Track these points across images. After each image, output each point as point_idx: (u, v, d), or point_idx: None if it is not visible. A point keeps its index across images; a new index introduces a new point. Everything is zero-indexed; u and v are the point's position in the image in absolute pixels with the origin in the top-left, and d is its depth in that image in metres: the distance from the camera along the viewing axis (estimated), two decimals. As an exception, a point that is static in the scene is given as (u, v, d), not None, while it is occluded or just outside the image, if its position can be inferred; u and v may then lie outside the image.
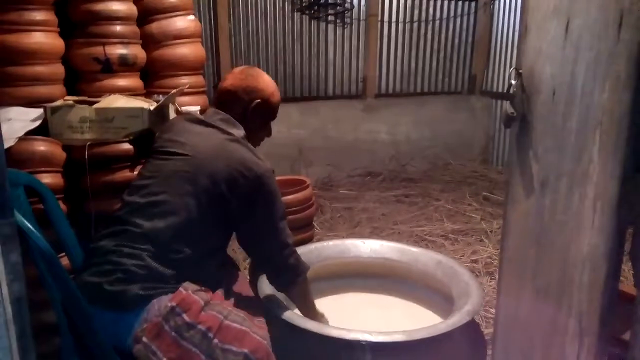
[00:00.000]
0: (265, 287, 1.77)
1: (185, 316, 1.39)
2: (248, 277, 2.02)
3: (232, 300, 1.66)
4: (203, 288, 1.49)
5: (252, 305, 1.70)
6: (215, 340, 1.37)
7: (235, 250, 3.27)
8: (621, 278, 1.22)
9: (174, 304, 1.40)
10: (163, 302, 1.41)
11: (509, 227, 1.36)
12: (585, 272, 1.17)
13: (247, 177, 1.52)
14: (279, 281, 1.69)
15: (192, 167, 1.53)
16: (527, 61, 1.25)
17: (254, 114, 1.69)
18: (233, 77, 1.71)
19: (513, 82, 1.27)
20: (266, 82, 1.72)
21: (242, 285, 1.83)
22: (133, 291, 1.41)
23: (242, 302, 1.67)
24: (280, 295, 1.76)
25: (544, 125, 1.22)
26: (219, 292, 1.60)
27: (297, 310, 1.77)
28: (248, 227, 1.59)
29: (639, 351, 1.08)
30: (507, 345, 1.41)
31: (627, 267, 2.11)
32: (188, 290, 1.44)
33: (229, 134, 1.61)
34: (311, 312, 1.77)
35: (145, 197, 1.53)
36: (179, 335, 1.37)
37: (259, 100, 1.68)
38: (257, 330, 1.44)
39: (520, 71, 1.26)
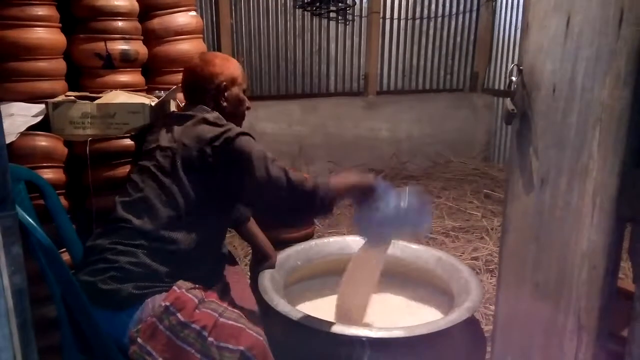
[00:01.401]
0: (266, 282, 1.77)
1: (179, 315, 1.38)
2: (248, 274, 2.03)
3: (228, 297, 1.66)
4: (197, 286, 1.48)
5: (248, 303, 1.70)
6: (211, 339, 1.36)
7: (235, 246, 3.28)
8: (620, 275, 1.22)
9: (167, 303, 1.40)
10: (157, 302, 1.41)
11: (508, 223, 1.37)
12: (584, 268, 1.17)
13: (216, 146, 1.53)
14: (314, 214, 1.73)
15: (170, 157, 1.56)
16: (528, 58, 1.25)
17: (226, 96, 1.71)
18: (189, 72, 1.74)
19: (514, 78, 1.27)
20: (221, 61, 1.74)
21: (238, 283, 1.83)
22: (127, 290, 1.42)
23: (238, 300, 1.67)
24: (280, 291, 1.76)
25: (544, 121, 1.22)
26: (214, 289, 1.59)
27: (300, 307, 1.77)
28: (248, 188, 1.54)
29: (637, 348, 1.08)
30: (506, 342, 1.42)
31: (627, 265, 2.12)
32: (182, 288, 1.44)
33: (199, 117, 1.63)
34: (348, 193, 1.80)
35: (133, 194, 1.57)
36: (173, 335, 1.37)
37: (224, 82, 1.70)
38: (252, 326, 1.43)
39: (521, 68, 1.26)
